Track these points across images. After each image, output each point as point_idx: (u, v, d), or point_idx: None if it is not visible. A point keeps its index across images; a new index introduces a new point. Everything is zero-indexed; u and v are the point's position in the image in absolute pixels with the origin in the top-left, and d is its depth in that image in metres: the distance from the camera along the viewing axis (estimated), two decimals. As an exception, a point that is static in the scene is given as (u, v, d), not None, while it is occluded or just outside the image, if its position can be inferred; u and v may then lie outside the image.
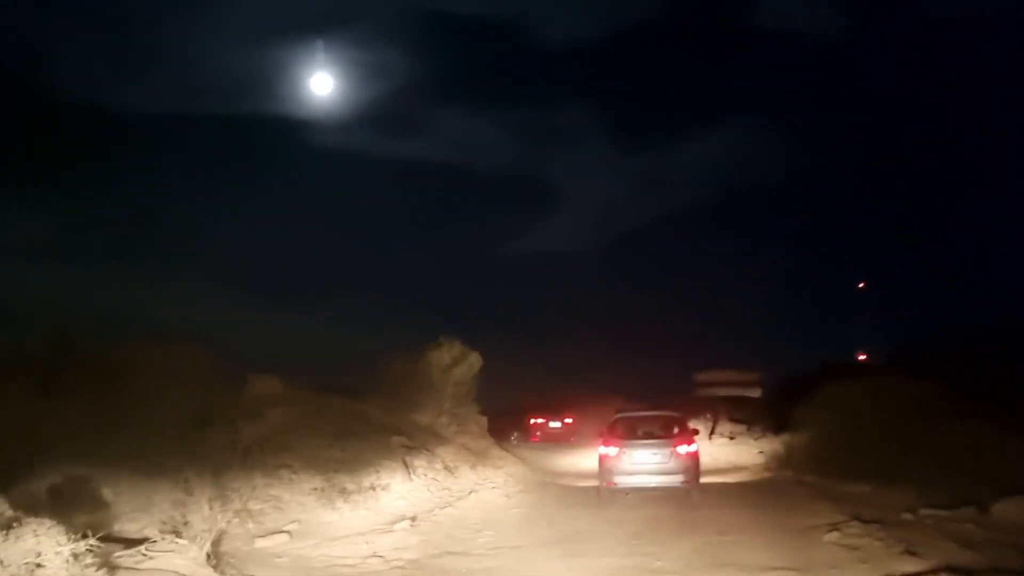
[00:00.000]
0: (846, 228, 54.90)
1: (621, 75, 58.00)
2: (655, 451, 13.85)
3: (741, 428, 29.02)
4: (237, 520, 10.68)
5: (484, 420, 21.57)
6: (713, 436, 26.25)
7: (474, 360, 20.05)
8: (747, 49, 53.91)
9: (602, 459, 14.07)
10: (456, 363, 19.67)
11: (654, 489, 13.81)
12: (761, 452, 20.86)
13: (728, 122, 59.15)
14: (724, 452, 23.04)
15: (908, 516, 11.30)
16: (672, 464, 13.73)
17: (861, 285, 36.91)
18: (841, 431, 15.87)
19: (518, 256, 57.94)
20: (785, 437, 20.73)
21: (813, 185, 57.73)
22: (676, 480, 13.66)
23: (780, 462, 17.58)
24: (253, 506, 11.34)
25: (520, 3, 57.66)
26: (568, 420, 32.33)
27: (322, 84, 31.55)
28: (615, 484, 13.79)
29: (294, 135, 52.05)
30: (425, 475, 14.43)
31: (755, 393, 25.87)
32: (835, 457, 15.42)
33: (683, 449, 13.89)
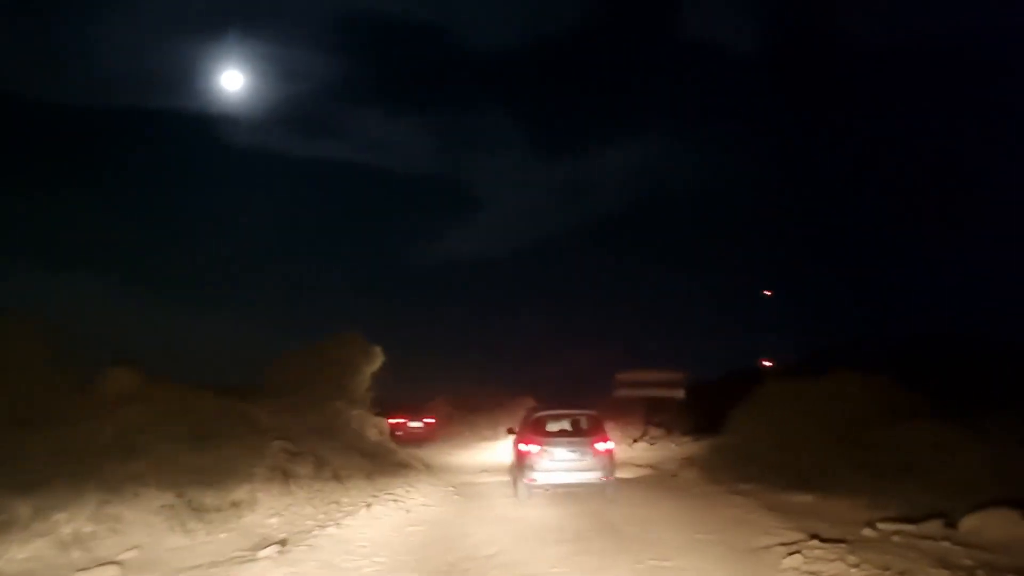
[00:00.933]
0: (756, 237, 57.33)
1: (542, 82, 58.87)
2: (574, 448, 14.27)
3: (661, 432, 27.81)
4: (56, 548, 8.42)
5: (384, 422, 19.52)
6: (636, 441, 24.80)
7: (375, 356, 17.95)
8: (666, 61, 56.73)
9: (523, 456, 14.34)
10: (356, 359, 17.53)
11: (573, 485, 14.19)
12: (688, 458, 19.30)
13: (646, 132, 61.08)
14: (647, 457, 21.47)
15: (869, 532, 9.84)
16: (590, 461, 14.21)
17: (767, 293, 38.02)
18: (780, 434, 14.41)
19: (435, 260, 59.75)
20: (713, 441, 19.25)
21: (726, 194, 60.26)
22: (594, 476, 14.12)
23: (711, 469, 15.99)
24: (85, 528, 9.06)
25: (443, 7, 57.99)
26: (429, 420, 32.12)
27: (236, 81, 30.95)
28: (535, 481, 14.06)
29: (207, 132, 52.81)
30: (310, 486, 12.28)
31: (678, 394, 24.40)
32: (774, 463, 13.97)
33: (601, 446, 14.38)
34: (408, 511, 12.24)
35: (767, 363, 32.45)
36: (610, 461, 14.39)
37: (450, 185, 65.44)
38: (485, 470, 18.92)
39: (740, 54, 56.03)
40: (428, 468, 18.54)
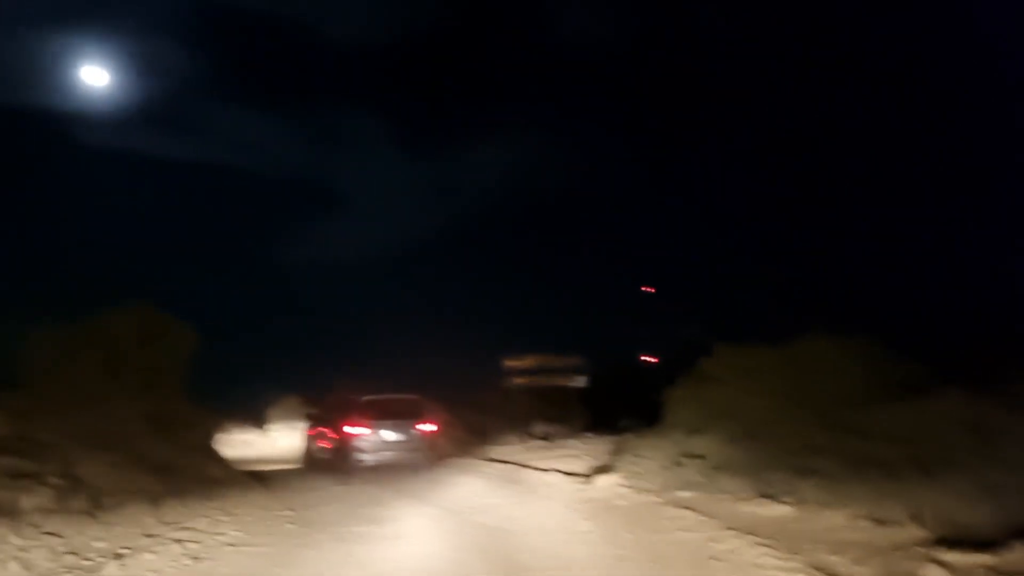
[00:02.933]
0: (634, 234, 55.18)
1: (410, 81, 57.97)
2: (399, 430, 16.01)
3: (558, 427, 24.15)
4: None
5: (212, 424, 14.97)
6: (526, 439, 20.97)
7: (181, 336, 13.37)
8: (538, 59, 55.00)
9: (350, 438, 15.70)
10: (151, 339, 12.89)
11: (398, 463, 15.81)
12: (601, 463, 15.58)
13: (515, 130, 58.61)
14: (545, 459, 17.59)
15: (937, 573, 6.21)
16: (415, 441, 16.17)
17: (648, 289, 37.39)
18: (737, 421, 10.76)
19: (304, 261, 56.51)
20: (635, 436, 15.61)
21: (602, 193, 58.55)
22: (419, 456, 16.14)
23: (636, 475, 12.23)
24: None
25: (309, 3, 55.51)
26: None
27: (93, 76, 28.89)
28: (363, 461, 15.56)
29: (63, 131, 43.80)
30: (40, 525, 7.77)
31: (577, 382, 20.71)
32: (730, 461, 10.29)
33: (425, 428, 16.40)
34: (196, 559, 7.87)
35: (649, 359, 31.69)
36: (434, 441, 16.64)
37: (317, 185, 61.95)
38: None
39: (608, 52, 55.67)
40: (267, 483, 14.15)
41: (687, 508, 9.91)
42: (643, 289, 38.01)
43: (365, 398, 16.36)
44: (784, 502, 9.40)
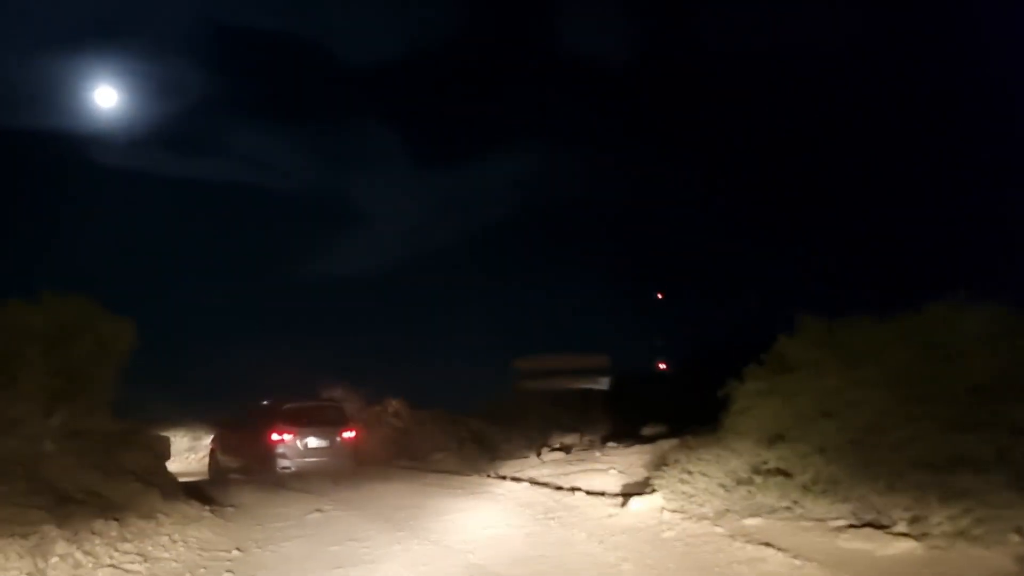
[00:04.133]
0: (642, 243, 54.13)
1: (422, 94, 57.86)
2: (322, 437, 16.80)
3: (579, 437, 21.50)
4: None
5: (158, 441, 12.38)
6: (543, 452, 18.28)
7: (111, 332, 10.78)
8: (545, 72, 55.34)
9: (275, 444, 16.30)
10: (69, 335, 10.28)
11: (321, 470, 16.09)
12: (638, 479, 12.93)
13: (526, 141, 58.26)
14: (570, 477, 14.88)
15: None
16: (338, 448, 17.01)
17: (659, 296, 38.53)
18: (839, 424, 7.94)
19: (321, 276, 54.37)
20: (667, 445, 12.95)
21: (613, 204, 57.15)
22: (341, 462, 16.81)
23: (681, 494, 9.49)
24: None
25: (320, 20, 56.81)
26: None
27: (107, 97, 29.94)
28: (287, 467, 16.18)
29: (79, 152, 47.13)
30: None
31: (600, 384, 17.99)
32: (825, 477, 7.54)
33: (347, 434, 17.30)
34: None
35: (662, 366, 32.06)
36: (355, 447, 17.32)
37: (333, 201, 61.50)
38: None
39: (616, 64, 56.15)
40: (219, 509, 11.54)
41: (765, 544, 7.21)
42: (656, 296, 39.19)
43: (287, 406, 17.04)
44: (903, 534, 6.70)
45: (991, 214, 33.80)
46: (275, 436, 16.16)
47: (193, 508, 10.76)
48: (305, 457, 16.27)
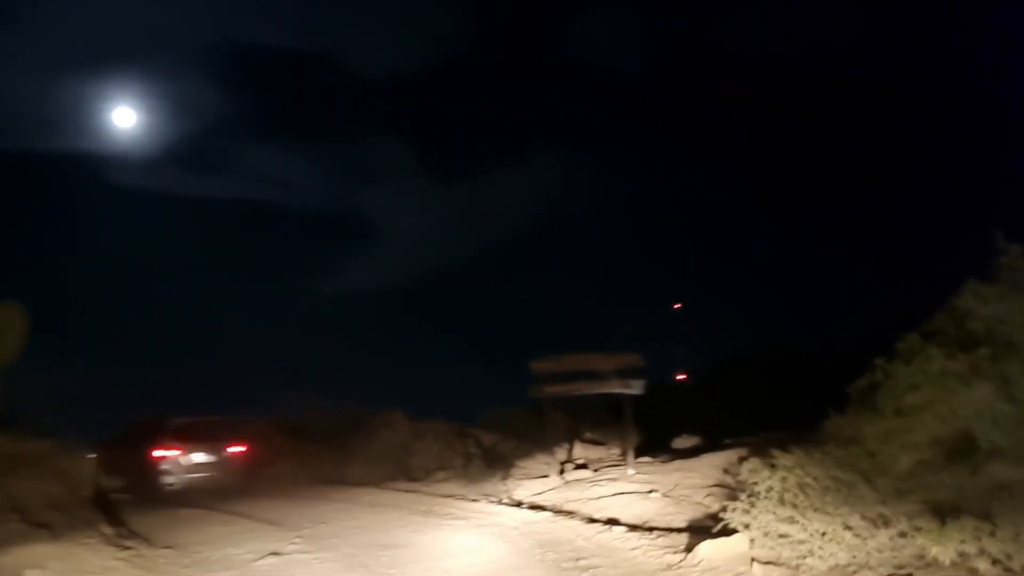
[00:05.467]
0: (657, 253, 54.59)
1: (435, 107, 59.23)
2: (209, 452, 16.47)
3: (605, 450, 18.64)
4: None
5: (79, 466, 9.62)
6: (570, 467, 15.40)
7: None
8: (557, 82, 56.08)
9: (160, 461, 15.90)
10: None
11: (207, 484, 15.98)
12: (702, 512, 10.07)
13: (542, 152, 59.98)
14: (601, 502, 11.94)
15: None
16: (225, 463, 16.70)
17: (676, 306, 38.16)
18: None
19: (340, 291, 57.36)
20: (721, 460, 10.10)
21: (627, 212, 58.73)
22: (227, 477, 16.46)
23: (779, 538, 6.57)
24: None
25: (334, 38, 58.54)
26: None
27: (125, 118, 29.85)
28: (172, 484, 15.80)
29: (97, 173, 49.30)
30: None
31: (634, 388, 15.03)
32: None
33: (235, 449, 17.01)
34: None
35: (682, 376, 31.51)
36: (243, 463, 17.06)
37: (349, 215, 63.81)
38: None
39: (630, 71, 57.42)
40: (141, 553, 8.75)
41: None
42: (674, 307, 38.25)
43: (174, 421, 16.70)
44: None
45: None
46: (158, 452, 15.95)
47: (98, 555, 7.93)
48: (190, 473, 16.05)
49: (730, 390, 24.60)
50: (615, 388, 15.24)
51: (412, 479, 15.87)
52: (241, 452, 16.97)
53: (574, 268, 53.91)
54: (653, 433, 19.05)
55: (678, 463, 14.31)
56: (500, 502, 12.48)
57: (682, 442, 18.79)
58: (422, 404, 21.29)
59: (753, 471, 7.71)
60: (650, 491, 11.90)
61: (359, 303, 56.54)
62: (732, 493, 10.72)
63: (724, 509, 7.76)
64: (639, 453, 17.93)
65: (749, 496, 7.38)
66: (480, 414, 20.99)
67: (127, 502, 14.70)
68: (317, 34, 58.95)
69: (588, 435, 19.66)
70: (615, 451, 18.73)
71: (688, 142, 54.81)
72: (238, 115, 58.18)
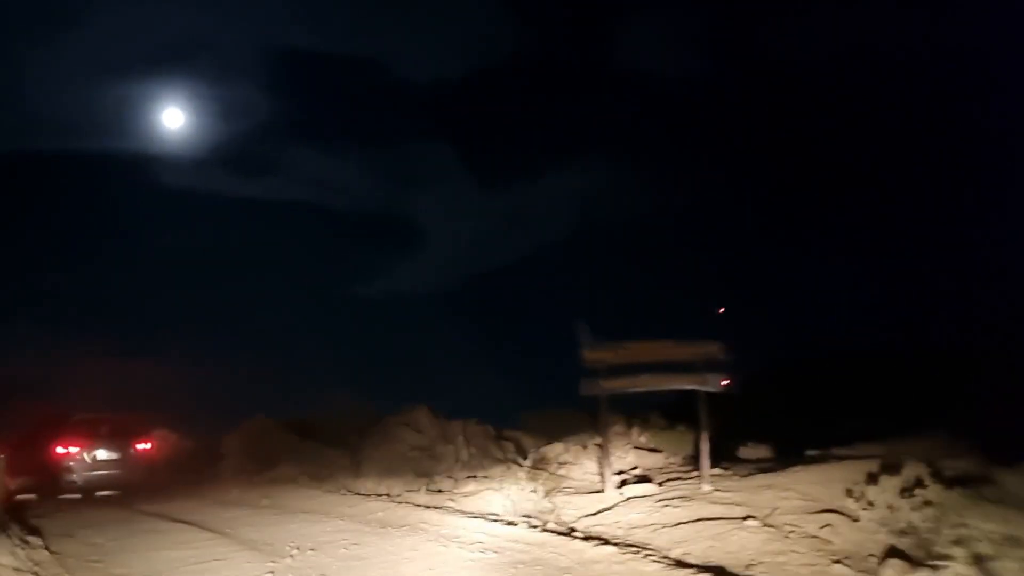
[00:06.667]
0: (707, 260, 53.47)
1: (481, 112, 58.43)
2: (113, 449, 16.19)
3: (658, 459, 15.86)
4: None
5: None
6: (623, 483, 12.50)
7: None
8: (606, 87, 56.47)
9: (61, 458, 15.67)
10: None
11: (111, 482, 15.97)
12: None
13: (587, 158, 58.67)
14: (681, 534, 9.00)
15: None
16: (130, 460, 16.44)
17: (720, 311, 33.87)
18: None
19: (383, 294, 57.61)
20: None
21: (675, 219, 57.07)
22: (133, 474, 16.34)
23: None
24: None
25: (379, 41, 59.67)
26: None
27: (177, 119, 30.10)
28: (74, 481, 15.62)
29: (146, 173, 49.68)
30: None
31: (713, 384, 12.12)
32: None
33: (141, 446, 16.83)
34: None
35: (726, 382, 27.78)
36: (150, 460, 16.96)
37: (393, 219, 64.08)
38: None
39: (681, 79, 55.12)
40: None
41: None
42: (719, 311, 36.38)
43: (77, 416, 16.47)
44: None
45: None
46: (60, 449, 15.71)
47: None
48: (94, 470, 15.87)
49: (782, 396, 22.51)
50: (688, 383, 12.34)
51: (436, 490, 13.12)
52: (148, 449, 16.94)
53: (616, 275, 52.89)
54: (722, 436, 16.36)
55: (763, 478, 11.52)
56: (545, 526, 9.65)
57: (750, 452, 15.98)
58: (458, 406, 18.60)
59: (945, 509, 4.83)
60: (745, 517, 9.03)
61: (401, 306, 57.10)
62: (867, 526, 7.89)
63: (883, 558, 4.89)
64: (691, 462, 15.19)
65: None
66: (519, 417, 18.22)
67: (34, 503, 14.42)
68: (364, 39, 59.92)
69: (641, 439, 16.86)
70: (673, 460, 15.95)
71: (734, 150, 53.36)
72: (285, 118, 58.55)
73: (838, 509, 9.15)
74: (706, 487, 11.53)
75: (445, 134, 63.58)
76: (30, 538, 9.03)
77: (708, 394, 12.59)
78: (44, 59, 46.87)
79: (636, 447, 16.30)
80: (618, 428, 16.31)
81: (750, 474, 12.25)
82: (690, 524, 9.07)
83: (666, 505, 10.48)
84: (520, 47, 60.28)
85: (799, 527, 8.64)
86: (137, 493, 15.65)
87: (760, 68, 48.56)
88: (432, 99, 58.58)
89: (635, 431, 16.94)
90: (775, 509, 9.49)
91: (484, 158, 58.03)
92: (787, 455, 14.45)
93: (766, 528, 8.51)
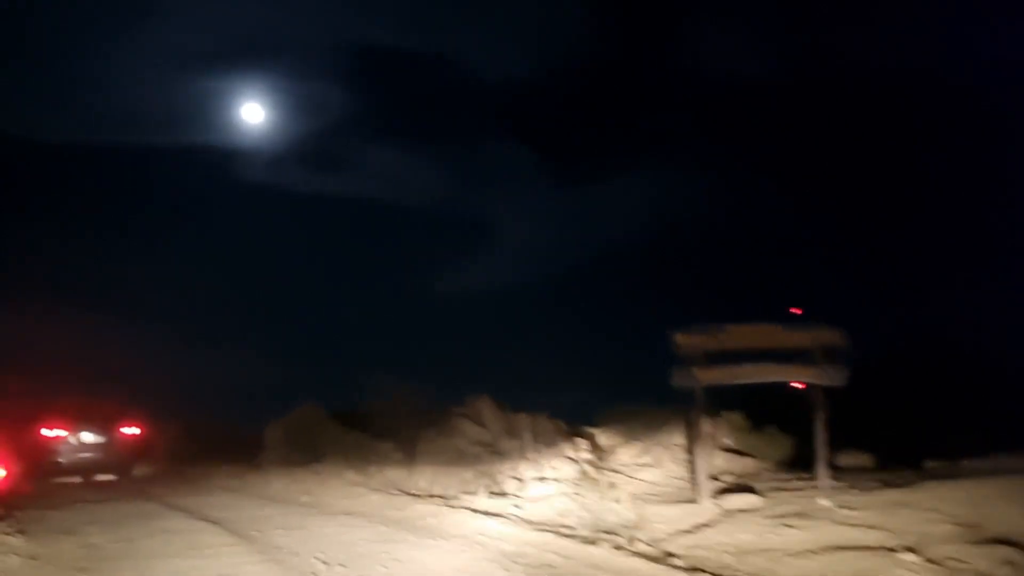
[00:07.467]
0: (781, 260, 48.60)
1: (554, 111, 56.62)
2: (98, 433, 16.41)
3: (749, 464, 13.98)
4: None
5: None
6: (719, 491, 10.48)
7: None
8: (679, 87, 53.67)
9: (48, 441, 15.94)
10: None
11: (95, 465, 16.31)
12: None
13: (660, 158, 56.10)
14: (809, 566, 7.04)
15: None
16: (114, 444, 16.59)
17: (796, 311, 32.06)
18: None
19: (451, 293, 52.39)
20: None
21: (747, 219, 52.31)
22: (116, 457, 16.53)
23: None
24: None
25: (454, 38, 58.35)
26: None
27: (256, 114, 31.78)
28: (60, 463, 15.92)
29: (222, 168, 51.00)
30: None
31: (831, 378, 10.05)
32: None
33: (127, 431, 16.83)
34: None
35: (798, 384, 26.33)
36: (136, 445, 17.05)
37: (465, 216, 61.93)
38: None
39: (755, 80, 49.90)
40: None
41: None
42: (793, 311, 34.71)
43: (62, 400, 16.78)
44: None
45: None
46: (46, 431, 15.94)
47: None
48: (79, 453, 16.10)
49: (861, 399, 20.46)
50: (803, 376, 10.33)
51: (499, 492, 11.29)
52: (135, 434, 16.98)
53: (693, 275, 51.31)
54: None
55: (893, 494, 9.52)
56: (631, 546, 7.74)
57: (850, 459, 13.83)
58: (527, 401, 16.80)
59: None
60: (894, 548, 6.98)
61: (471, 303, 56.23)
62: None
63: None
64: (785, 469, 13.26)
65: None
66: (593, 414, 16.30)
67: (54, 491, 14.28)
68: (440, 36, 57.66)
69: (726, 440, 14.89)
70: (765, 466, 14.00)
71: (813, 154, 51.61)
72: (361, 114, 57.24)
73: (1011, 539, 7.08)
74: (823, 502, 9.49)
75: (518, 132, 62.27)
76: (10, 539, 7.53)
77: (825, 390, 10.53)
78: (127, 54, 47.27)
79: (722, 449, 14.36)
80: (708, 427, 14.34)
81: (873, 488, 10.21)
82: (822, 553, 7.08)
83: (781, 523, 8.50)
84: (595, 45, 57.50)
85: (968, 563, 6.60)
86: (171, 484, 14.65)
87: (841, 72, 47.45)
88: (505, 96, 57.26)
89: (721, 431, 14.94)
90: (924, 536, 7.45)
91: (557, 157, 57.65)
92: (897, 465, 12.45)
93: (929, 564, 6.47)
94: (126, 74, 49.55)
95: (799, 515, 8.91)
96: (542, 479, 11.45)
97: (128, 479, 16.45)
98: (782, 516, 8.89)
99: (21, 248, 37.41)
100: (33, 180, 41.82)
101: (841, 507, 9.12)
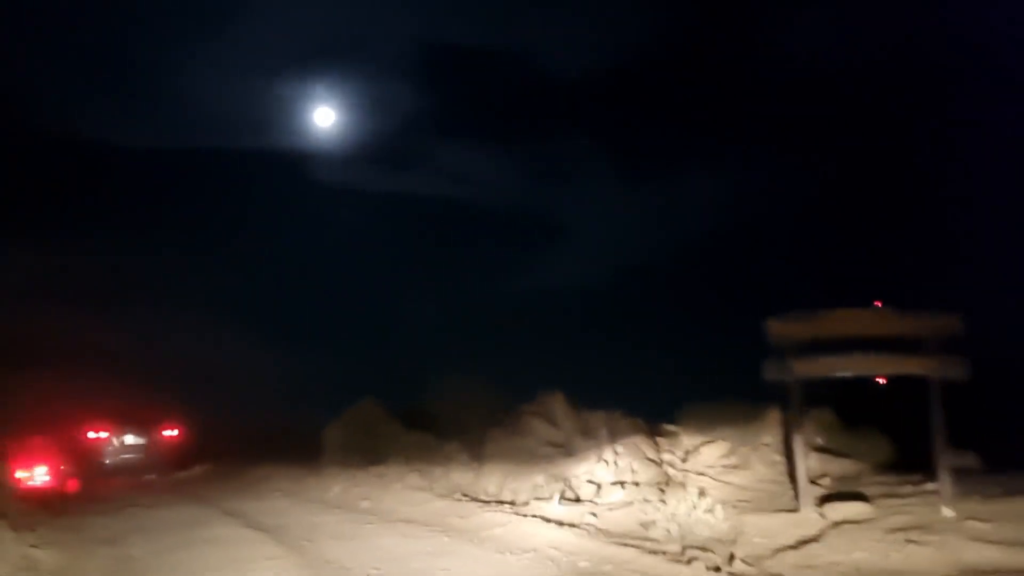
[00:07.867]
0: (865, 255, 46.62)
1: (626, 106, 56.95)
2: (140, 435, 17.66)
3: (846, 466, 12.68)
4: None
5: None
6: (824, 499, 9.28)
7: None
8: (751, 82, 52.20)
9: (93, 443, 17.01)
10: None
11: (137, 464, 17.03)
12: None
13: (733, 154, 54.67)
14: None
15: None
16: (154, 445, 17.67)
17: (877, 304, 31.11)
18: None
19: (521, 289, 53.86)
20: None
21: (826, 214, 51.11)
22: (156, 458, 17.33)
23: None
24: None
25: (524, 34, 58.63)
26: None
27: (328, 117, 32.06)
28: (105, 464, 16.82)
29: (295, 170, 51.27)
30: None
31: (953, 370, 8.79)
32: None
33: (166, 433, 18.01)
34: None
35: (881, 379, 25.90)
36: (173, 446, 17.77)
37: (536, 214, 63.10)
38: None
39: (836, 72, 49.39)
40: None
41: None
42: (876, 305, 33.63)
43: (110, 408, 17.54)
44: None
45: None
46: (91, 434, 16.85)
47: None
48: (122, 454, 16.99)
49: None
50: (920, 368, 9.07)
51: (573, 498, 10.31)
52: (173, 436, 17.87)
53: (769, 269, 49.88)
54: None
55: (1022, 503, 8.22)
56: (729, 566, 6.67)
57: (955, 459, 12.41)
58: (603, 399, 15.66)
59: None
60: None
61: (544, 300, 53.48)
62: None
63: None
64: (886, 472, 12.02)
65: None
66: (674, 412, 15.13)
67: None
68: (510, 33, 58.27)
69: (817, 440, 13.61)
70: (862, 467, 12.72)
71: (905, 144, 49.66)
72: (431, 113, 58.42)
73: None
74: (947, 512, 8.29)
75: (589, 128, 61.23)
76: (35, 552, 6.85)
77: (943, 384, 9.26)
78: (203, 60, 49.34)
79: (815, 449, 13.09)
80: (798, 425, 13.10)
81: (996, 495, 8.95)
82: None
83: (901, 538, 7.32)
84: (666, 41, 57.30)
85: None
86: (228, 487, 14.22)
87: (924, 64, 45.41)
88: (576, 93, 57.36)
89: (811, 429, 13.64)
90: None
91: (629, 153, 57.14)
92: (1008, 467, 11.11)
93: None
94: (205, 82, 51.39)
95: (920, 528, 7.75)
96: (621, 483, 10.42)
97: (169, 479, 16.78)
98: (901, 529, 7.73)
99: (103, 251, 38.73)
100: (114, 184, 43.36)
101: (967, 518, 7.92)
